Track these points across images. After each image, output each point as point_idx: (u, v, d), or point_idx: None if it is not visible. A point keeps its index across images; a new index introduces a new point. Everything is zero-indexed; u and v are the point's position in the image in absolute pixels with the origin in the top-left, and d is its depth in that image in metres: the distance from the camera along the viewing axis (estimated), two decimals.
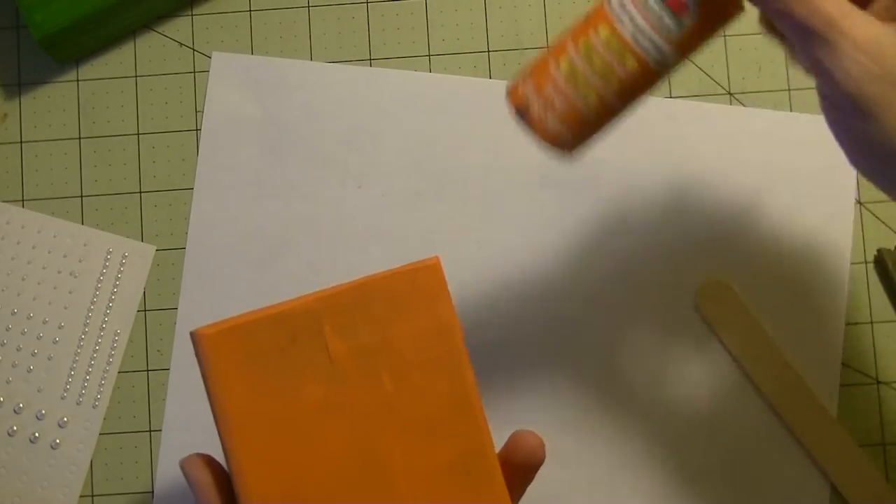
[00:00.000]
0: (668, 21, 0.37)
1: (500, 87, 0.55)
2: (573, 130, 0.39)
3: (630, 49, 0.37)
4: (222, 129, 0.55)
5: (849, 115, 0.35)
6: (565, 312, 0.53)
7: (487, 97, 0.55)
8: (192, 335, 0.40)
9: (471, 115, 0.55)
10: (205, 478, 0.40)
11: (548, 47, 0.40)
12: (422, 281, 0.41)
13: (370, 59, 0.55)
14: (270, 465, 0.39)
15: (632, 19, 0.37)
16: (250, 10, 0.56)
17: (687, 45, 0.38)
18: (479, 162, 0.54)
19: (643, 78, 0.38)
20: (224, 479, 0.40)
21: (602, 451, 0.52)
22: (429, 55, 0.55)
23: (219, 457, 0.50)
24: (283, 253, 0.53)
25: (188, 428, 0.52)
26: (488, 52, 0.55)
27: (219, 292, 0.53)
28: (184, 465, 0.41)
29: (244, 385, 0.39)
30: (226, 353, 0.39)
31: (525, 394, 0.53)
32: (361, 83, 0.55)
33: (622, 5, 0.37)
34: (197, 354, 0.40)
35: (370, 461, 0.40)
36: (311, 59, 0.55)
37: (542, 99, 0.39)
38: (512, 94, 0.40)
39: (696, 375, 0.53)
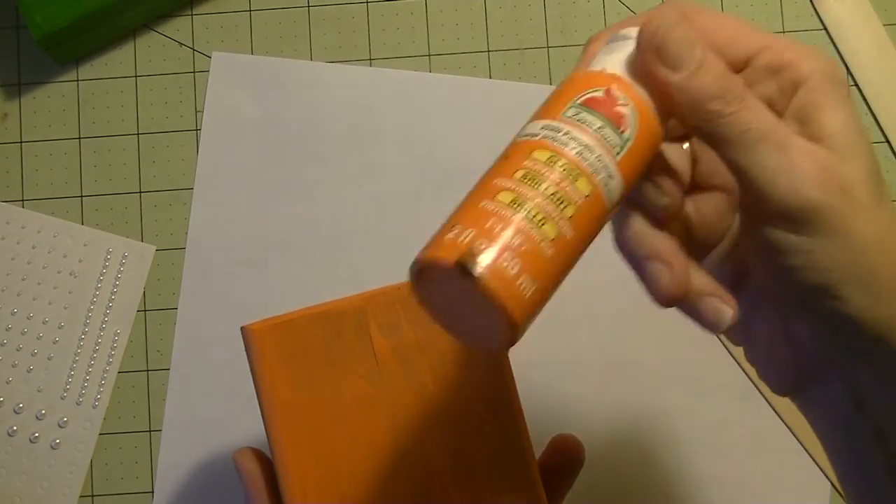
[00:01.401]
0: (611, 135, 0.30)
1: (500, 87, 0.55)
2: (537, 280, 0.30)
3: (579, 167, 0.30)
4: (222, 129, 0.55)
5: (790, 228, 0.30)
6: (565, 312, 0.53)
7: (487, 97, 0.55)
8: (242, 330, 0.41)
9: (471, 115, 0.55)
10: (254, 469, 0.41)
11: (462, 207, 0.32)
12: None
13: (370, 59, 0.55)
14: (313, 458, 0.40)
15: (573, 138, 0.30)
16: (250, 10, 0.56)
17: (627, 165, 0.31)
18: (479, 162, 0.54)
19: (594, 204, 0.32)
20: (271, 471, 0.41)
21: (602, 450, 0.52)
22: (429, 55, 0.55)
23: (220, 456, 0.50)
24: (283, 253, 0.53)
25: (188, 428, 0.52)
26: (488, 52, 0.55)
27: (219, 292, 0.53)
28: (235, 456, 0.42)
29: (290, 379, 0.40)
30: (274, 347, 0.40)
31: (522, 393, 0.53)
32: (361, 83, 0.55)
33: (556, 129, 0.30)
34: (246, 348, 0.41)
35: (411, 456, 0.41)
36: (311, 59, 0.55)
37: (489, 238, 0.29)
38: (432, 256, 0.29)
39: (696, 375, 0.53)
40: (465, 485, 0.41)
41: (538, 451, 0.43)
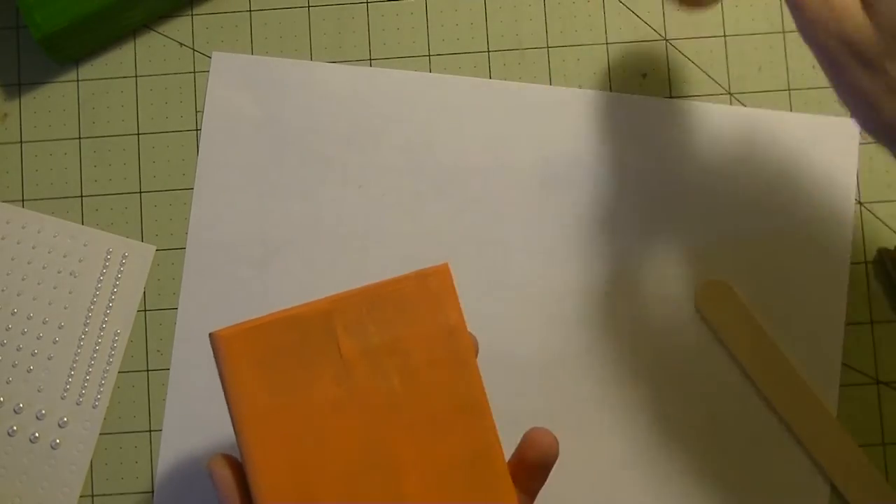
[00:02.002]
0: None
1: (500, 87, 0.55)
2: None
3: None
4: (222, 129, 0.55)
5: None
6: (565, 312, 0.53)
7: (487, 97, 0.55)
8: (211, 336, 0.41)
9: (471, 115, 0.55)
10: (226, 474, 0.41)
11: None
12: (432, 285, 0.42)
13: (370, 59, 0.55)
14: (284, 462, 0.40)
15: None
16: (250, 10, 0.56)
17: None
18: (479, 162, 0.54)
19: None
20: (243, 476, 0.41)
21: (601, 450, 0.52)
22: (429, 55, 0.55)
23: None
24: (283, 253, 0.53)
25: (188, 428, 0.52)
26: (488, 52, 0.55)
27: (219, 292, 0.53)
28: (209, 463, 0.42)
29: (259, 384, 0.41)
30: (242, 353, 0.41)
31: (523, 393, 0.53)
32: (361, 83, 0.55)
33: None
34: (215, 355, 0.41)
35: (380, 458, 0.41)
36: (311, 59, 0.55)
37: None
38: None
39: (696, 375, 0.53)
40: (436, 485, 0.41)
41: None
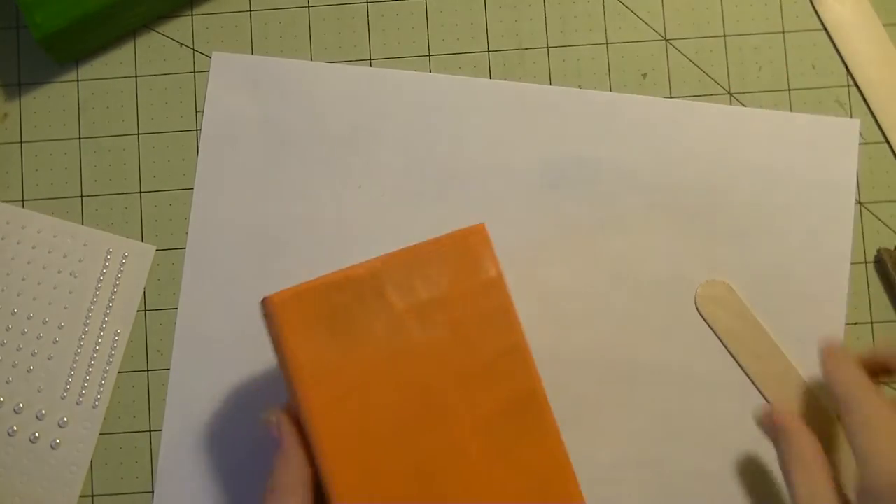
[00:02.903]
0: None
1: (500, 87, 0.55)
2: None
3: None
4: (222, 128, 0.55)
5: None
6: (564, 312, 0.53)
7: (487, 97, 0.55)
8: (265, 301, 0.43)
9: (471, 115, 0.55)
10: (291, 431, 0.43)
11: None
12: (471, 243, 0.46)
13: (370, 59, 0.55)
14: (343, 418, 0.43)
15: None
16: (250, 10, 0.56)
17: None
18: (479, 162, 0.54)
19: None
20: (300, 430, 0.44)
21: (600, 450, 0.52)
22: (429, 55, 0.55)
23: (220, 456, 0.50)
24: (283, 253, 0.53)
25: (188, 428, 0.52)
26: (488, 52, 0.55)
27: (219, 292, 0.53)
28: (267, 417, 0.44)
29: (314, 345, 0.43)
30: (296, 316, 0.43)
31: None
32: (361, 83, 0.55)
33: None
34: (268, 320, 0.43)
35: (434, 406, 0.44)
36: (311, 59, 0.55)
37: None
38: None
39: (696, 375, 0.53)
40: (485, 429, 0.44)
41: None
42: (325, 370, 0.43)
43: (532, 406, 0.45)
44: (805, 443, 0.44)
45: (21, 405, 0.52)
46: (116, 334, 0.53)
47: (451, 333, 0.44)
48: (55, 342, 0.53)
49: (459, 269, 0.45)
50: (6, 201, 0.54)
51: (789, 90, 0.55)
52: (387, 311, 0.44)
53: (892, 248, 0.54)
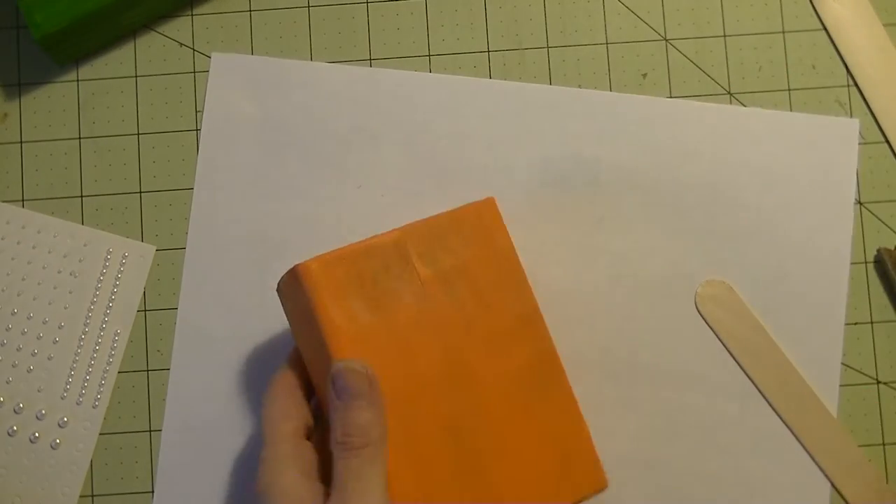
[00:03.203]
0: None
1: (500, 86, 0.55)
2: None
3: None
4: (222, 129, 0.55)
5: None
6: (564, 312, 0.53)
7: (487, 97, 0.55)
8: (294, 270, 0.44)
9: (471, 115, 0.55)
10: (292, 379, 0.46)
11: None
12: (484, 215, 0.48)
13: (370, 59, 0.55)
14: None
15: None
16: (250, 10, 0.56)
17: None
18: (479, 162, 0.54)
19: None
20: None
21: (600, 450, 0.52)
22: (429, 55, 0.55)
23: (220, 456, 0.50)
24: (283, 253, 0.53)
25: (188, 428, 0.52)
26: (488, 52, 0.55)
27: (219, 292, 0.53)
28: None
29: (346, 309, 0.44)
30: (327, 283, 0.44)
31: None
32: (361, 83, 0.55)
33: None
34: (295, 290, 0.44)
35: (458, 368, 0.45)
36: (311, 59, 0.55)
37: None
38: None
39: (696, 375, 0.53)
40: (505, 390, 0.46)
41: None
42: (360, 335, 0.44)
43: (549, 368, 0.47)
44: None
45: (21, 405, 0.52)
46: (116, 334, 0.53)
47: (474, 299, 0.46)
48: (55, 342, 0.53)
49: (475, 239, 0.47)
50: (6, 201, 0.54)
51: (789, 90, 0.55)
52: (413, 278, 0.46)
53: (893, 248, 0.54)
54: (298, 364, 0.46)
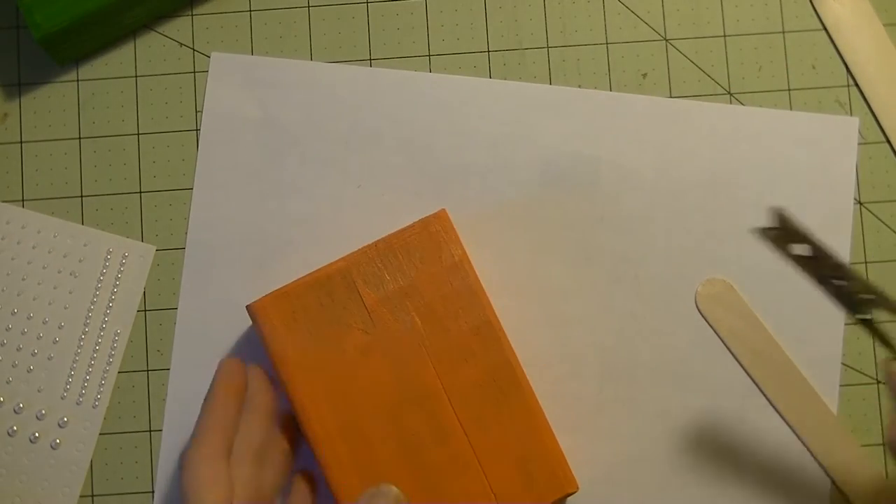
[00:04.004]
0: None
1: (500, 86, 0.55)
2: None
3: None
4: (222, 129, 0.55)
5: None
6: (564, 312, 0.53)
7: (487, 97, 0.55)
8: (248, 308, 0.48)
9: (471, 115, 0.55)
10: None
11: None
12: (433, 229, 0.48)
13: (370, 59, 0.55)
14: (329, 405, 0.47)
15: None
16: (250, 10, 0.56)
17: None
18: (479, 162, 0.54)
19: None
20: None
21: (600, 450, 0.52)
22: (429, 55, 0.55)
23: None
24: (283, 253, 0.53)
25: (188, 428, 0.52)
26: (488, 52, 0.55)
27: (219, 292, 0.53)
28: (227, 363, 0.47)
29: (297, 342, 0.47)
30: (277, 317, 0.47)
31: None
32: (361, 83, 0.55)
33: None
34: (254, 323, 0.48)
35: (414, 390, 0.47)
36: (311, 59, 0.55)
37: None
38: None
39: (696, 374, 0.53)
40: (465, 405, 0.47)
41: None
42: (310, 365, 0.46)
43: (508, 376, 0.48)
44: None
45: (21, 405, 0.52)
46: (116, 334, 0.53)
47: (424, 317, 0.47)
48: (55, 342, 0.53)
49: (425, 256, 0.48)
50: (6, 201, 0.54)
51: (789, 90, 0.55)
52: (360, 304, 0.47)
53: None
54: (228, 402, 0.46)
